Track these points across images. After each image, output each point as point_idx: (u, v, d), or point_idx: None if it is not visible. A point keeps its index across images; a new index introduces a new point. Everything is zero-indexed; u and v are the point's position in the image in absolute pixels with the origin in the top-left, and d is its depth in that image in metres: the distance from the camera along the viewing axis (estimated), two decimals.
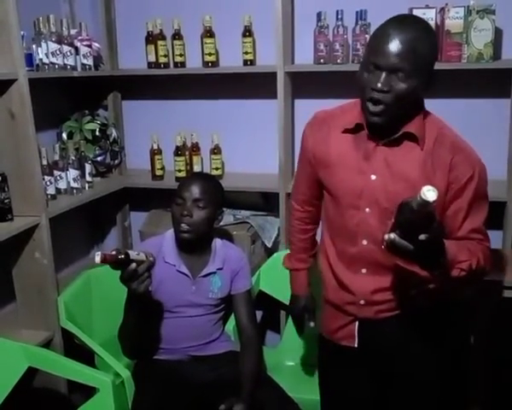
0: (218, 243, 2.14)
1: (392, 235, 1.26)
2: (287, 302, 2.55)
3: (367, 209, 1.56)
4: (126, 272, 1.67)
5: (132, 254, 1.68)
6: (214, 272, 2.08)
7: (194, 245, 2.04)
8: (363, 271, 1.62)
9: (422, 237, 1.24)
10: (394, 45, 1.38)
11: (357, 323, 1.68)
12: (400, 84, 1.40)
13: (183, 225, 1.97)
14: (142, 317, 1.89)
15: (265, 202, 2.84)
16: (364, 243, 1.59)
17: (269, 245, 2.71)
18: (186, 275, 2.04)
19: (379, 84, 1.41)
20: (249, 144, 2.83)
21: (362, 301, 1.64)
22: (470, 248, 1.48)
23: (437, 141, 1.52)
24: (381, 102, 1.42)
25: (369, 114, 1.47)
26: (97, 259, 1.57)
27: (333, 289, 1.70)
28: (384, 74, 1.40)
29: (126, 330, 1.95)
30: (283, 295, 2.54)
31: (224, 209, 2.79)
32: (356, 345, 1.70)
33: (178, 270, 2.04)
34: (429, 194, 1.15)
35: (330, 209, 1.65)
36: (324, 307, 1.80)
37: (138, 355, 2.07)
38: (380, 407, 1.76)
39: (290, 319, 2.55)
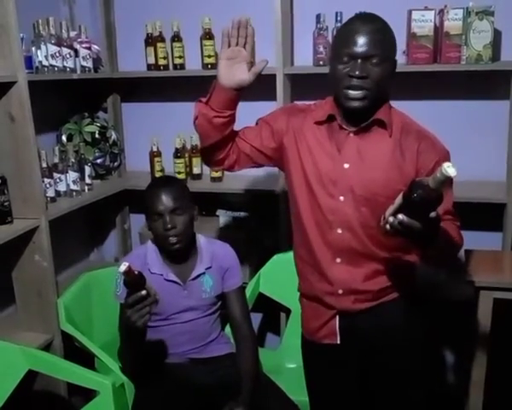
0: (202, 241, 2.10)
1: (401, 216, 1.31)
2: (287, 305, 2.56)
3: (341, 198, 1.62)
4: (136, 296, 1.63)
5: (148, 283, 1.66)
6: (203, 273, 2.05)
7: (182, 251, 2.01)
8: (338, 260, 1.66)
9: (433, 214, 1.31)
10: (365, 35, 1.49)
11: (337, 318, 1.71)
12: (375, 69, 1.50)
13: (170, 238, 1.93)
14: (141, 343, 1.87)
15: (264, 204, 2.84)
16: (339, 231, 1.63)
17: (268, 246, 2.71)
18: (175, 282, 2.02)
19: (357, 72, 1.50)
20: None
21: (340, 291, 1.67)
22: (448, 227, 1.54)
23: (403, 130, 1.61)
24: (362, 87, 1.51)
25: (349, 100, 1.53)
26: (122, 267, 1.54)
27: (311, 280, 1.73)
28: (360, 61, 1.50)
29: (125, 353, 1.95)
30: (283, 297, 2.55)
31: (224, 211, 2.83)
32: (338, 341, 1.73)
33: (166, 279, 2.00)
34: (450, 170, 1.18)
35: (305, 200, 1.67)
36: (303, 305, 1.82)
37: (138, 371, 2.02)
38: (366, 402, 1.78)
39: (290, 321, 2.56)
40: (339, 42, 1.56)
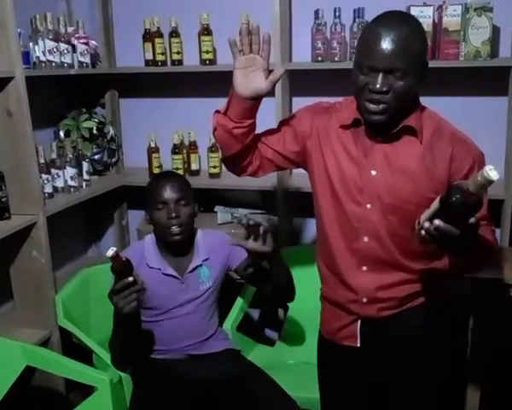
0: (199, 235, 2.12)
1: (437, 221, 1.24)
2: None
3: (368, 205, 1.55)
4: (122, 282, 1.65)
5: (135, 271, 1.68)
6: (200, 265, 2.07)
7: (181, 244, 2.03)
8: (364, 268, 1.60)
9: (473, 219, 1.24)
10: (388, 46, 1.38)
11: (359, 322, 1.66)
12: (398, 82, 1.40)
13: (173, 228, 1.95)
14: (131, 334, 1.88)
15: (263, 201, 2.84)
16: (366, 239, 1.57)
17: None
18: (173, 276, 2.03)
19: (377, 86, 1.40)
20: None
21: (364, 299, 1.62)
22: (484, 232, 1.49)
23: (435, 133, 1.52)
24: (382, 102, 1.42)
25: (369, 114, 1.46)
26: (109, 252, 1.57)
27: (334, 286, 1.67)
28: (381, 75, 1.40)
29: (115, 344, 1.95)
30: None
31: (222, 207, 2.83)
32: (358, 344, 1.67)
33: (164, 273, 2.02)
34: (492, 173, 1.13)
35: (329, 206, 1.61)
36: (324, 306, 1.77)
37: (128, 366, 2.05)
38: (380, 405, 1.75)
39: (288, 317, 2.56)
40: (360, 49, 1.46)
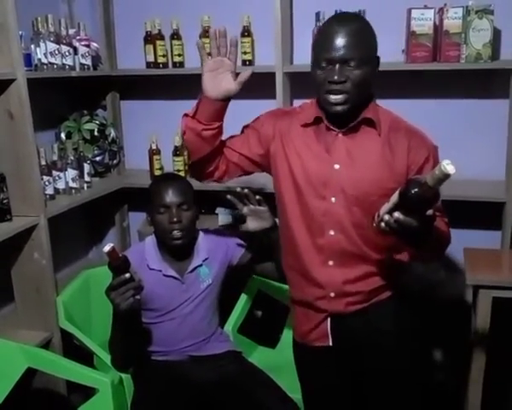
0: (200, 236, 2.13)
1: (397, 214, 1.31)
2: (285, 302, 2.56)
3: (333, 199, 1.60)
4: (118, 279, 1.67)
5: (132, 268, 1.69)
6: (201, 265, 2.07)
7: (182, 248, 2.03)
8: (330, 263, 1.64)
9: (430, 211, 1.31)
10: (342, 38, 1.47)
11: (328, 320, 1.70)
12: (354, 72, 1.49)
13: (175, 232, 1.96)
14: (130, 333, 1.89)
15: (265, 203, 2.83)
16: (332, 233, 1.62)
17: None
18: (174, 277, 2.03)
19: (335, 77, 1.49)
20: None
21: (332, 294, 1.66)
22: (438, 224, 1.53)
23: (391, 128, 1.60)
24: (342, 91, 1.50)
25: (331, 105, 1.53)
26: (106, 248, 1.61)
27: (301, 286, 1.71)
28: (337, 66, 1.49)
29: (114, 344, 1.96)
30: (282, 295, 2.55)
31: (223, 209, 2.83)
32: (330, 343, 1.71)
33: (165, 274, 2.03)
34: (449, 167, 1.18)
35: (294, 204, 1.66)
36: (294, 310, 1.80)
37: (128, 367, 2.05)
38: (359, 402, 1.78)
39: (289, 319, 2.56)
40: (316, 47, 1.55)
